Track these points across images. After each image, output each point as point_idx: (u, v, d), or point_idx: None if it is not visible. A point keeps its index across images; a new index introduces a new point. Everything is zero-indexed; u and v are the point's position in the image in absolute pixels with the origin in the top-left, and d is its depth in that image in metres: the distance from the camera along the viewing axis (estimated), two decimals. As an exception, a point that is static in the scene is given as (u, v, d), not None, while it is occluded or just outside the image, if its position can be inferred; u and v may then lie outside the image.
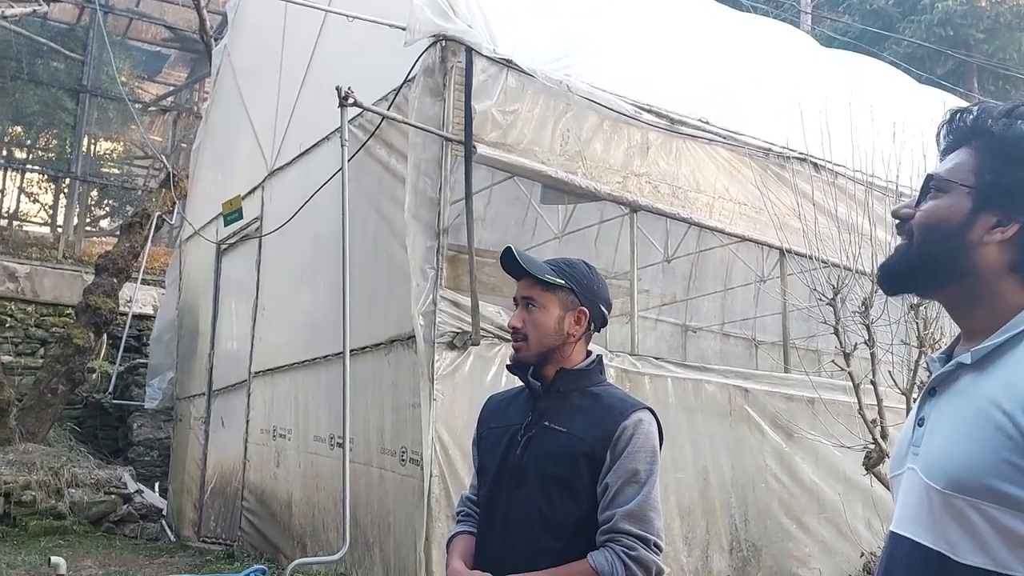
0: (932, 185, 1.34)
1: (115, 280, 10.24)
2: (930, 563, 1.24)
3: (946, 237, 1.29)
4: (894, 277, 1.38)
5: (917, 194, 1.38)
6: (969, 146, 1.32)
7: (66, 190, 16.57)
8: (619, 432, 1.96)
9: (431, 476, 4.80)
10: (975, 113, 1.33)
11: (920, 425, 1.33)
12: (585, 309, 2.11)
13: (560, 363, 2.09)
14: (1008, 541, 1.16)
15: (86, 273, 11.75)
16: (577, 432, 1.98)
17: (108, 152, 19.13)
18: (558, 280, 2.09)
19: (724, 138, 6.34)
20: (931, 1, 17.70)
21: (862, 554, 6.08)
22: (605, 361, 5.31)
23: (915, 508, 1.28)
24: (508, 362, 2.19)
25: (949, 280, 1.31)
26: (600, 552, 1.90)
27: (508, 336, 5.06)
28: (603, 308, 2.15)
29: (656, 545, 1.92)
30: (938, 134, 1.39)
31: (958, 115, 1.35)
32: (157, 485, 9.84)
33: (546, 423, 2.02)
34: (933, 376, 1.34)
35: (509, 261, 2.13)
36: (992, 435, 1.18)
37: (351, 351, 5.14)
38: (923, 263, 1.32)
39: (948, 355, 1.36)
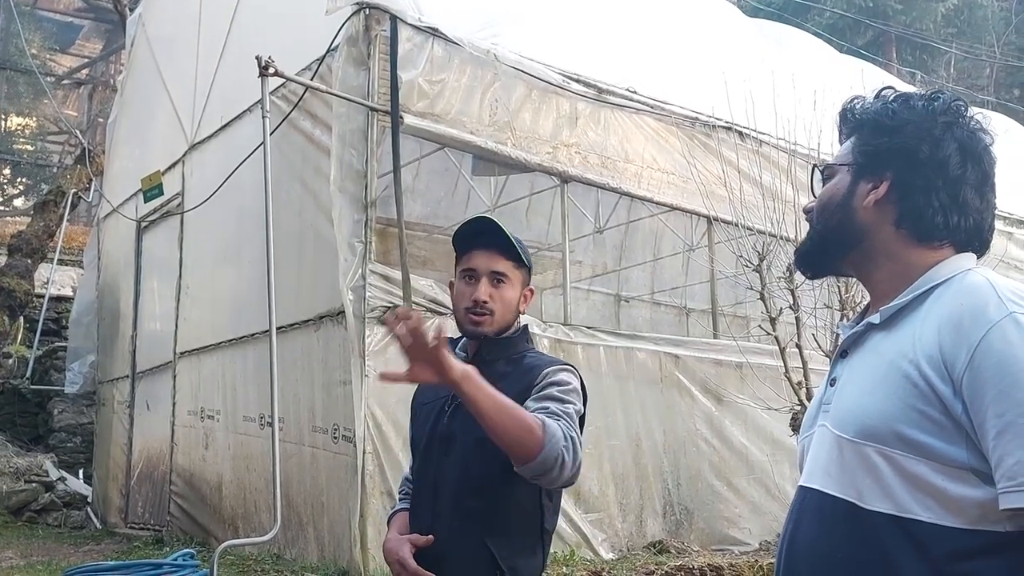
0: (824, 174, 1.49)
1: (29, 261, 9.88)
2: (838, 511, 1.30)
3: (835, 210, 1.44)
4: (807, 259, 1.52)
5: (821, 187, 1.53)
6: (852, 135, 1.48)
7: (-25, 168, 15.87)
8: (541, 378, 2.00)
9: (364, 453, 4.74)
10: (854, 105, 1.48)
11: (832, 385, 1.41)
12: (533, 288, 2.15)
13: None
14: (910, 485, 1.23)
15: (-1, 254, 11.26)
16: (502, 392, 1.97)
17: (20, 128, 18.37)
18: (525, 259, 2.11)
19: (651, 107, 6.36)
20: (852, -28, 18.03)
21: (790, 513, 6.24)
22: (539, 332, 5.37)
23: (825, 461, 1.35)
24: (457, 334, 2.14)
25: (848, 248, 1.43)
26: (551, 418, 1.87)
27: (441, 310, 5.06)
28: None
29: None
30: (839, 131, 1.53)
31: (845, 111, 1.49)
32: (81, 472, 9.53)
33: None
34: (844, 338, 1.43)
35: (487, 231, 2.09)
36: (901, 385, 1.26)
37: (279, 328, 5.03)
38: (825, 239, 1.46)
39: (858, 322, 1.44)
